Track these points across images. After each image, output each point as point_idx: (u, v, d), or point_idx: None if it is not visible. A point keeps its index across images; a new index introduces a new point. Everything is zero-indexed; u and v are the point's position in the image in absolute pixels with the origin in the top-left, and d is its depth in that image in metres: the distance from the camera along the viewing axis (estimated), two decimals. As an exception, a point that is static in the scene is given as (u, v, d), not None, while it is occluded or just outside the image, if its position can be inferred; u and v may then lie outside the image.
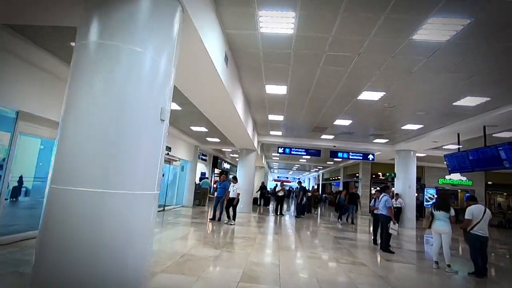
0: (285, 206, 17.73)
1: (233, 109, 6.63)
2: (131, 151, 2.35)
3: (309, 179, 43.21)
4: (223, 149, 16.75)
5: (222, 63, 4.82)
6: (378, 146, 13.05)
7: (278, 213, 13.54)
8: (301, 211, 13.50)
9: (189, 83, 5.23)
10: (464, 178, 17.79)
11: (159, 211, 11.05)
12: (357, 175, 20.87)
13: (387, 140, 12.14)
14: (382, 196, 7.16)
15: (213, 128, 10.19)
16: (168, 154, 11.12)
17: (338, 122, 9.50)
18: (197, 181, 16.25)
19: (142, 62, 2.47)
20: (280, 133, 12.54)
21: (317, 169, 32.12)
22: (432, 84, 5.84)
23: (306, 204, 14.39)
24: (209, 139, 13.21)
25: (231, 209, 9.21)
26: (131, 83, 2.40)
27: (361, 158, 13.65)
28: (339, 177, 25.82)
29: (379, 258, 6.26)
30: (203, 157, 17.43)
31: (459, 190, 19.43)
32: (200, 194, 15.34)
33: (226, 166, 23.60)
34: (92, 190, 2.20)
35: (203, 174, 17.58)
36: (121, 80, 2.38)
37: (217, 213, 9.52)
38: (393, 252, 6.76)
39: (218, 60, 4.56)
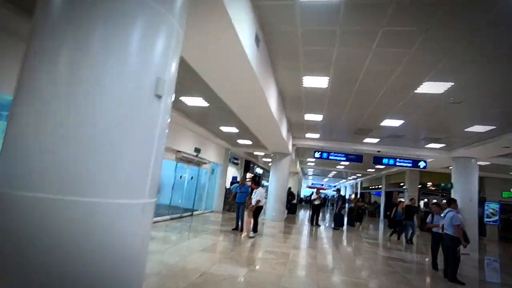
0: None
1: (265, 104, 5.78)
2: (109, 142, 1.58)
3: (346, 187, 40.90)
4: (255, 153, 15.96)
5: (253, 44, 4.00)
6: (431, 152, 11.38)
7: (314, 224, 12.37)
8: (339, 222, 12.20)
9: (214, 70, 4.47)
10: (536, 192, 15.16)
11: (187, 216, 10.48)
12: (401, 184, 18.91)
13: (443, 145, 10.49)
14: (448, 212, 5.81)
15: (244, 129, 9.43)
16: (197, 156, 10.57)
17: (387, 122, 8.22)
18: (228, 186, 15.61)
19: (129, 9, 1.71)
20: (317, 135, 11.44)
21: (356, 177, 30.10)
22: (523, 70, 4.50)
23: (348, 215, 12.97)
24: (240, 141, 12.49)
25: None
26: (112, 39, 1.64)
27: (410, 165, 12.00)
28: (380, 186, 23.78)
29: (446, 291, 4.96)
30: (235, 161, 16.79)
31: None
32: (231, 199, 14.65)
33: (259, 171, 22.82)
34: (51, 197, 1.46)
35: (234, 178, 16.90)
36: (98, 37, 1.63)
37: (240, 222, 8.47)
38: (464, 283, 5.38)
39: (248, 41, 3.75)
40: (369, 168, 20.11)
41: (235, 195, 8.60)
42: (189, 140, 10.10)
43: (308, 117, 8.66)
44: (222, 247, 6.37)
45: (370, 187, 27.96)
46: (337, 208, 12.31)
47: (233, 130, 10.03)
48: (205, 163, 11.49)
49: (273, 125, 7.67)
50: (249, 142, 12.31)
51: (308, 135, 11.55)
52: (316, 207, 12.62)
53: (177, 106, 7.49)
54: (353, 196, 18.47)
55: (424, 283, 5.28)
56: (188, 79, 5.44)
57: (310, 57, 4.94)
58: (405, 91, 5.86)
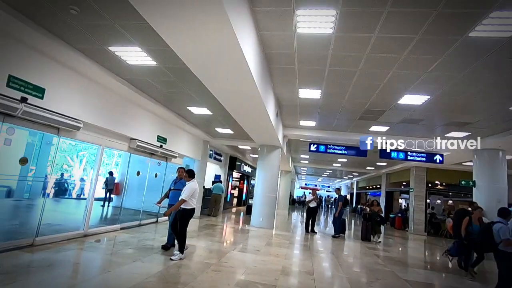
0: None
1: (242, 59, 3.66)
2: None
3: (340, 187, 39.07)
4: (240, 146, 13.81)
5: None
6: (450, 144, 9.39)
7: (310, 231, 10.31)
8: (339, 229, 10.13)
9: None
10: None
11: (149, 223, 8.27)
12: (404, 183, 17.02)
13: (468, 134, 8.54)
14: (496, 222, 3.83)
15: (220, 111, 7.30)
16: (161, 146, 8.36)
17: (407, 99, 6.21)
18: (208, 186, 13.43)
19: None
20: (313, 123, 9.35)
21: (351, 176, 28.18)
22: None
23: (363, 224, 10.45)
24: (219, 130, 10.32)
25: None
26: None
27: (424, 159, 10.06)
28: (379, 186, 21.91)
29: None
30: (217, 157, 14.61)
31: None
32: (211, 201, 12.47)
33: (247, 169, 20.62)
34: None
35: (217, 177, 14.71)
36: None
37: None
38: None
39: None
40: (369, 166, 18.20)
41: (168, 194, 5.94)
42: (150, 126, 7.90)
43: (303, 93, 6.58)
44: (169, 279, 4.13)
45: (367, 187, 26.08)
46: (337, 211, 10.25)
47: (205, 111, 7.86)
48: (174, 156, 9.27)
49: (256, 101, 5.57)
50: (229, 131, 10.16)
51: (302, 122, 9.46)
52: (312, 211, 10.55)
53: (114, 66, 5.31)
54: (343, 196, 16.23)
55: None
56: (117, 10, 3.31)
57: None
58: (449, 36, 3.81)
